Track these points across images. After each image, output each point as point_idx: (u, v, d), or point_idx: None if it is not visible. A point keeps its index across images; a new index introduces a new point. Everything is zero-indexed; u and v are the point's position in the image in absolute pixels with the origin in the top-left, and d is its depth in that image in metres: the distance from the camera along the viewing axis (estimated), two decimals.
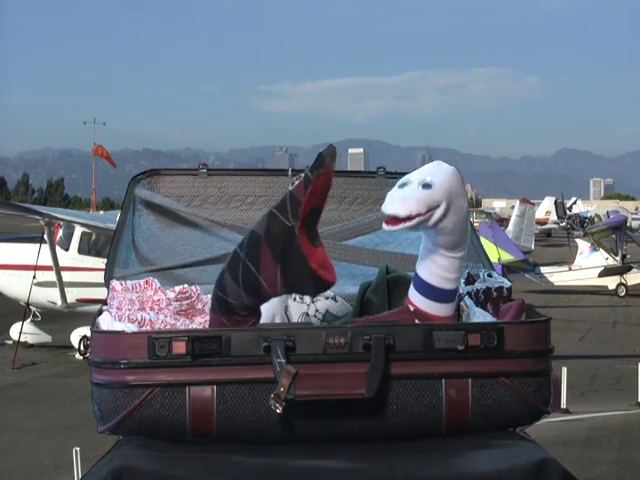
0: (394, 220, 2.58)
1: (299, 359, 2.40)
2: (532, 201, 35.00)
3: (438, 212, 2.58)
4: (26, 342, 14.54)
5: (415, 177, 2.64)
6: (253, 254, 2.42)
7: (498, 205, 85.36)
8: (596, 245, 26.09)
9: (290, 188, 2.41)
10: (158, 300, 2.79)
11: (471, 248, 3.44)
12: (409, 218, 2.56)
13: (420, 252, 2.80)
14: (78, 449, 5.59)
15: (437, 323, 2.66)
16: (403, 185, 2.63)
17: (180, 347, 2.39)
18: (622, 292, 25.32)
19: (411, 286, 2.77)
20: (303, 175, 2.38)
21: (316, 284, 2.44)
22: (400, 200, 2.57)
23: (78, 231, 15.61)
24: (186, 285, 2.87)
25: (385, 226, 2.62)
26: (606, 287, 25.56)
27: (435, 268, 2.71)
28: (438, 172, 2.64)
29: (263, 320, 2.91)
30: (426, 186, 2.59)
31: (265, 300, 2.54)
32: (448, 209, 2.60)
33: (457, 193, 2.63)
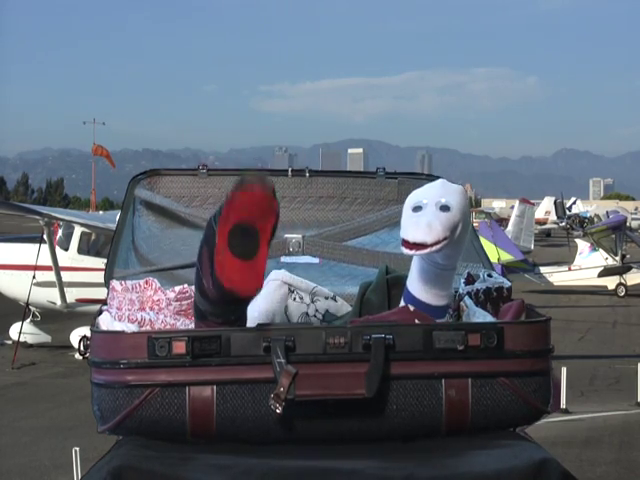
0: (419, 246, 2.56)
1: (299, 359, 2.39)
2: (532, 201, 35.00)
3: (457, 233, 2.59)
4: (26, 342, 14.54)
5: (428, 199, 2.62)
6: (199, 257, 2.45)
7: (498, 205, 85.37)
8: (596, 245, 26.09)
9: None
10: (158, 300, 2.79)
11: (471, 248, 3.44)
12: (437, 243, 2.55)
13: (412, 266, 2.80)
14: (78, 449, 5.60)
15: (437, 323, 2.66)
16: (418, 208, 2.62)
17: (180, 347, 2.39)
18: (622, 292, 25.33)
19: (402, 301, 2.78)
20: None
21: (220, 290, 2.37)
22: (426, 227, 2.55)
23: (78, 231, 15.61)
24: (186, 285, 2.87)
25: (408, 251, 2.59)
26: (606, 287, 25.57)
27: (427, 284, 2.73)
28: (449, 192, 2.64)
29: (263, 320, 2.91)
30: (444, 208, 2.59)
31: (212, 302, 2.44)
32: (463, 228, 2.61)
33: (467, 212, 2.66)
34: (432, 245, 2.55)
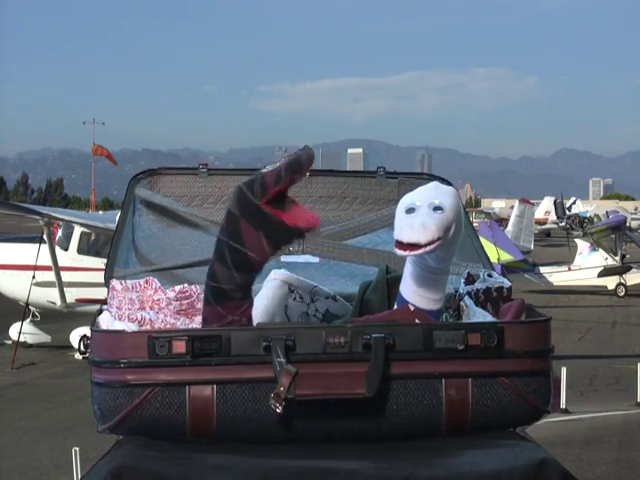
0: (413, 247, 2.57)
1: (299, 358, 2.39)
2: (531, 201, 35.00)
3: (450, 234, 2.59)
4: (25, 342, 14.54)
5: (421, 200, 2.63)
6: (234, 233, 2.48)
7: (497, 205, 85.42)
8: (595, 245, 26.10)
9: (263, 170, 2.48)
10: (158, 299, 2.79)
11: (471, 248, 3.44)
12: (430, 243, 2.56)
13: (405, 271, 2.80)
14: (77, 449, 5.60)
15: (437, 323, 2.66)
16: (411, 210, 2.63)
17: (180, 346, 2.39)
18: (621, 292, 25.35)
19: (395, 306, 2.78)
20: (278, 166, 2.45)
21: (295, 233, 2.50)
22: (420, 227, 2.55)
23: (77, 231, 15.62)
24: (186, 285, 2.87)
25: (402, 252, 2.60)
26: (605, 287, 25.58)
27: (420, 289, 2.73)
28: (442, 193, 2.65)
29: (263, 320, 2.91)
30: (438, 209, 2.59)
31: (257, 272, 2.55)
32: (457, 230, 2.62)
33: (461, 213, 2.67)
34: (426, 245, 2.55)
